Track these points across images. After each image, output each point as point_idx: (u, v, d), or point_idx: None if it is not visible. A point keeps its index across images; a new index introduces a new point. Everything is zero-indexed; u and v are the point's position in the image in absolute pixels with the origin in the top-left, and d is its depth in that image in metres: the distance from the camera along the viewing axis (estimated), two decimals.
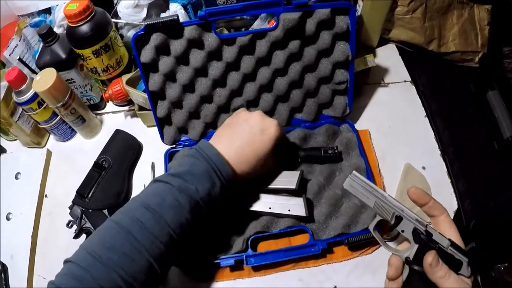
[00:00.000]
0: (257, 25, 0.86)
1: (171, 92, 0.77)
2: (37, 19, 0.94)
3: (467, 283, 0.53)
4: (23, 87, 0.80)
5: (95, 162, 0.82)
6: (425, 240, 0.54)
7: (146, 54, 0.72)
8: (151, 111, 0.79)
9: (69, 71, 0.85)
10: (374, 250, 0.72)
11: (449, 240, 0.54)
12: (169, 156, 0.82)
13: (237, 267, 0.71)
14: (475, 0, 0.94)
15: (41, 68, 0.83)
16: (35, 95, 0.81)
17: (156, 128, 0.82)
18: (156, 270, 0.54)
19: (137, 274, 0.52)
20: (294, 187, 0.71)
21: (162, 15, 0.87)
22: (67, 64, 0.84)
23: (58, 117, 0.87)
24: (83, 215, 0.77)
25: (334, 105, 0.82)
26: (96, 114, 0.96)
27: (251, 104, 0.81)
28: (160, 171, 0.85)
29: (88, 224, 0.77)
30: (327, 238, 0.70)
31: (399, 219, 0.57)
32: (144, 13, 0.88)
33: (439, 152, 0.82)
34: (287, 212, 0.70)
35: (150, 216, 0.55)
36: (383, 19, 0.89)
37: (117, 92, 0.85)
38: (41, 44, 0.87)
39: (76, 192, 0.79)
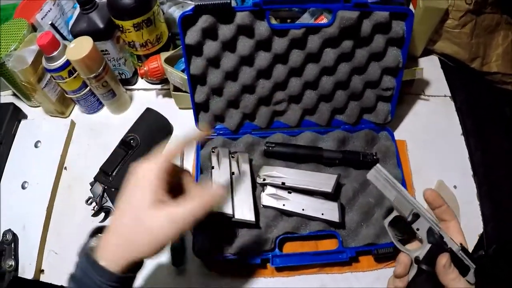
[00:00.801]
0: (305, 19, 0.83)
1: (212, 78, 0.74)
2: None
3: None
4: (55, 53, 0.77)
5: (122, 139, 0.80)
6: (438, 241, 0.54)
7: (192, 36, 0.69)
8: (187, 94, 0.76)
9: (105, 42, 0.82)
10: None
11: (460, 245, 0.54)
12: (202, 144, 0.79)
13: (261, 265, 0.70)
14: None
15: (75, 36, 0.80)
16: (67, 63, 0.78)
17: (187, 111, 0.80)
18: None
19: None
20: (330, 190, 0.69)
21: None
22: (104, 35, 0.81)
23: (88, 88, 0.84)
24: (105, 193, 0.75)
25: (376, 111, 0.80)
26: (127, 89, 0.93)
27: (293, 100, 0.79)
28: (190, 156, 0.82)
29: (109, 203, 0.75)
30: (356, 246, 0.69)
31: (416, 216, 0.57)
32: None
33: (471, 173, 0.81)
34: (320, 216, 0.69)
35: None
36: (432, 29, 0.88)
37: (154, 69, 0.82)
38: (76, 11, 0.84)
39: (100, 168, 0.77)
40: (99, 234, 0.50)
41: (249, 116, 0.80)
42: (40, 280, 0.72)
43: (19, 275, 0.72)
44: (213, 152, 0.73)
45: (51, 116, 0.91)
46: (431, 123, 0.87)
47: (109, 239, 0.47)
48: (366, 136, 0.79)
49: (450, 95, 0.91)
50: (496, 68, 0.93)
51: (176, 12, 0.88)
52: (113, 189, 0.75)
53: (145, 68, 0.83)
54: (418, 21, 0.85)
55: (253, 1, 0.68)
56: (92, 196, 0.76)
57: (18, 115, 0.90)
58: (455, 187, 0.79)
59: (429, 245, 0.54)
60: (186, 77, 0.74)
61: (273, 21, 0.85)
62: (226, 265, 0.70)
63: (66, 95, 0.86)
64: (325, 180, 0.70)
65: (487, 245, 0.74)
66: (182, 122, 0.87)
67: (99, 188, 0.76)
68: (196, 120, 0.79)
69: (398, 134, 0.84)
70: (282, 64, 0.74)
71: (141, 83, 0.95)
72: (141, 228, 0.46)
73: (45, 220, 0.76)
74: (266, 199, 0.71)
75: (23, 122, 0.89)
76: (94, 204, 0.76)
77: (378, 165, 0.60)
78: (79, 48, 0.75)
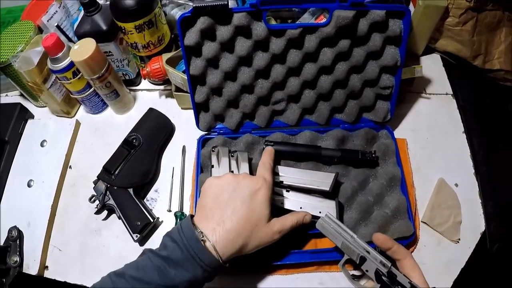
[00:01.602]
0: (305, 18, 0.84)
1: (212, 78, 0.75)
2: None
3: None
4: (60, 54, 0.78)
5: (125, 139, 0.81)
6: (386, 282, 0.59)
7: (191, 37, 0.70)
8: (188, 94, 0.77)
9: (108, 43, 0.83)
10: None
11: (409, 282, 0.57)
12: (203, 143, 0.80)
13: (260, 264, 0.70)
14: None
15: (79, 37, 0.82)
16: (71, 64, 0.80)
17: (189, 111, 0.81)
18: None
19: None
20: (327, 189, 0.70)
21: None
22: (107, 36, 0.82)
23: (92, 89, 0.86)
24: (108, 191, 0.76)
25: (376, 110, 0.80)
26: (130, 90, 0.95)
27: (292, 99, 0.79)
28: (190, 155, 0.84)
29: (111, 201, 0.76)
30: None
31: (363, 259, 0.62)
32: None
33: (473, 171, 0.80)
34: (317, 214, 0.69)
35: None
36: (432, 27, 0.87)
37: (155, 70, 0.83)
38: (81, 13, 0.85)
39: (103, 167, 0.78)
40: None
41: (248, 116, 0.81)
42: (44, 276, 0.74)
43: (23, 271, 0.73)
44: (213, 151, 0.74)
45: (57, 116, 0.93)
46: (433, 121, 0.86)
47: (227, 236, 0.58)
48: (365, 135, 0.79)
49: (452, 93, 0.90)
50: (499, 65, 0.92)
51: (178, 14, 0.90)
52: (115, 187, 0.76)
53: (147, 69, 0.84)
54: (418, 20, 0.85)
55: (250, 2, 0.68)
56: (95, 194, 0.78)
57: (25, 115, 0.92)
58: (456, 185, 0.78)
59: (379, 285, 0.60)
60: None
61: (273, 22, 0.85)
62: None
63: (71, 96, 0.88)
64: (323, 179, 0.71)
65: (490, 243, 0.73)
66: (184, 121, 0.88)
67: (102, 186, 0.77)
68: (197, 120, 0.80)
69: (399, 132, 0.84)
70: (280, 64, 0.75)
71: (144, 83, 0.97)
72: (257, 235, 0.60)
73: (50, 218, 0.78)
74: None
75: (29, 121, 0.91)
76: (97, 202, 0.77)
77: (327, 213, 0.66)
78: (83, 50, 0.77)
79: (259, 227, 0.60)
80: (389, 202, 0.73)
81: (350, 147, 0.79)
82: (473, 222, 0.75)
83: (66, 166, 0.85)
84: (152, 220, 0.74)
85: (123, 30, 0.81)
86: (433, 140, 0.84)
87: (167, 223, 0.77)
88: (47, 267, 0.75)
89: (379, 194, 0.74)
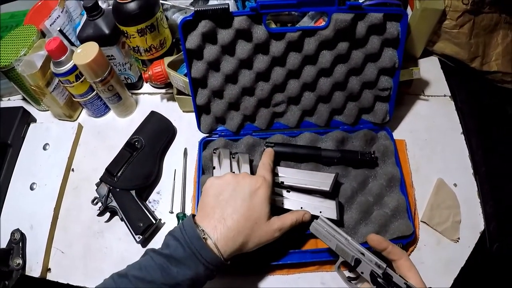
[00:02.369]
0: (304, 22, 0.85)
1: (213, 81, 0.76)
2: None
3: None
4: (63, 58, 0.79)
5: (127, 141, 0.82)
6: (381, 283, 0.59)
7: (192, 40, 0.71)
8: (190, 97, 0.78)
9: (111, 47, 0.84)
10: None
11: (405, 283, 0.58)
12: (204, 145, 0.81)
13: (261, 263, 0.71)
14: None
15: (82, 41, 0.83)
16: (74, 68, 0.81)
17: (191, 114, 0.82)
18: None
19: None
20: (328, 189, 0.70)
21: (211, 1, 0.86)
22: (110, 40, 0.84)
23: (94, 92, 0.87)
24: (110, 193, 0.77)
25: (375, 111, 0.81)
26: (132, 93, 0.95)
27: (292, 101, 0.80)
28: (192, 157, 0.84)
29: (114, 203, 0.76)
30: None
31: (357, 261, 0.62)
32: None
33: (472, 171, 0.81)
34: (318, 214, 0.69)
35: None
36: (430, 30, 0.88)
37: (157, 73, 0.84)
38: (83, 18, 0.86)
39: (106, 169, 0.79)
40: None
41: (249, 118, 0.82)
42: (47, 278, 0.75)
43: (26, 273, 0.74)
44: (214, 153, 0.75)
45: (60, 119, 0.94)
46: (431, 122, 0.87)
47: (228, 234, 0.59)
48: (365, 136, 0.80)
49: (450, 95, 0.91)
50: (496, 67, 0.93)
51: (179, 18, 0.91)
52: (117, 189, 0.77)
53: (149, 73, 0.85)
54: (416, 23, 0.86)
55: (250, 6, 0.70)
56: (98, 196, 0.78)
57: (27, 119, 0.93)
58: (455, 185, 0.79)
59: (374, 287, 0.60)
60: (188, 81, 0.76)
61: (273, 25, 0.87)
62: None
63: (74, 99, 0.88)
64: (323, 179, 0.71)
65: (489, 243, 0.74)
66: (186, 124, 0.89)
67: (104, 188, 0.78)
68: (198, 122, 0.81)
69: (398, 133, 0.85)
70: (280, 66, 0.76)
71: (146, 87, 0.98)
72: (257, 233, 0.61)
73: (52, 220, 0.79)
74: None
75: (32, 125, 0.92)
76: (99, 204, 0.77)
77: (321, 216, 0.67)
78: (86, 53, 0.78)
79: (259, 225, 0.62)
80: (389, 202, 0.74)
81: (349, 148, 0.80)
82: (473, 221, 0.75)
83: (68, 169, 0.86)
84: (154, 222, 0.74)
85: (126, 34, 0.82)
86: (432, 141, 0.85)
87: (169, 225, 0.78)
88: (49, 269, 0.75)
89: (379, 194, 0.75)
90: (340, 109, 0.81)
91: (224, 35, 0.72)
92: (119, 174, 0.78)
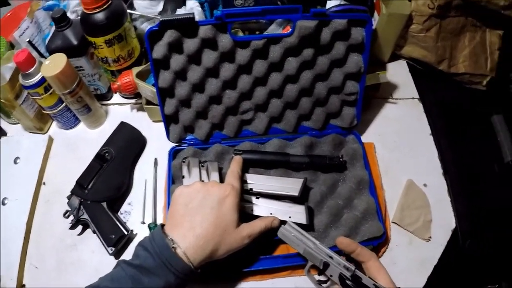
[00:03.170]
0: (272, 29, 0.86)
1: (180, 90, 0.77)
2: (50, 2, 0.92)
3: None
4: (31, 70, 0.79)
5: (97, 153, 0.81)
6: (350, 285, 0.60)
7: (159, 50, 0.72)
8: (159, 107, 0.78)
9: (79, 58, 0.84)
10: None
11: (374, 284, 0.59)
12: (173, 154, 0.81)
13: (234, 270, 0.71)
14: (488, 25, 0.94)
15: (51, 53, 0.82)
16: (43, 80, 0.80)
17: (161, 124, 0.82)
18: None
19: None
20: (296, 194, 0.71)
21: (179, 10, 0.87)
22: (78, 51, 0.83)
23: (64, 104, 0.86)
24: (81, 206, 0.77)
25: (342, 116, 0.82)
26: (102, 104, 0.95)
27: (260, 108, 0.81)
28: (162, 167, 0.84)
29: (85, 216, 0.76)
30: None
31: (326, 265, 0.63)
32: (160, 7, 0.88)
33: (442, 171, 0.82)
34: (287, 219, 0.70)
35: None
36: (397, 35, 0.90)
37: (126, 83, 0.84)
38: (53, 28, 0.86)
39: (76, 182, 0.78)
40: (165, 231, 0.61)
41: (217, 126, 0.82)
42: None
43: None
44: (183, 162, 0.75)
45: (30, 132, 0.93)
46: (400, 125, 0.89)
47: (197, 242, 0.59)
48: (333, 141, 0.81)
49: (418, 97, 0.93)
50: (464, 68, 0.95)
51: (148, 28, 0.90)
52: (89, 202, 0.76)
53: (118, 83, 0.85)
54: (382, 27, 0.88)
55: (215, 15, 0.70)
56: (70, 209, 0.78)
57: None
58: (425, 185, 0.81)
59: None
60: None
61: (241, 33, 0.87)
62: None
63: (44, 111, 0.88)
64: (292, 185, 0.72)
65: (462, 240, 0.76)
66: (155, 134, 0.89)
67: (75, 201, 0.77)
68: (167, 132, 0.81)
69: (367, 137, 0.86)
70: (246, 74, 0.76)
71: (116, 97, 0.97)
72: (226, 240, 0.62)
73: (25, 235, 0.78)
74: None
75: (2, 139, 0.91)
76: (71, 217, 0.77)
77: (289, 221, 0.68)
78: (54, 65, 0.77)
79: (229, 233, 0.62)
80: (359, 205, 0.75)
81: (318, 153, 0.81)
82: (444, 220, 0.77)
83: (40, 182, 0.85)
84: (126, 233, 0.74)
85: (94, 45, 0.82)
86: (401, 143, 0.86)
87: (141, 235, 0.77)
88: (24, 285, 0.74)
89: (348, 197, 0.76)
90: (308, 114, 0.81)
91: (190, 45, 0.72)
92: (89, 186, 0.77)
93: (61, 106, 0.86)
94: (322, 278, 0.68)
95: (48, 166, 0.88)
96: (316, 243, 0.64)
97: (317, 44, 0.73)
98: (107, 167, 0.80)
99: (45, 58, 0.90)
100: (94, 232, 0.75)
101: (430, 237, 0.75)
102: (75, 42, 0.82)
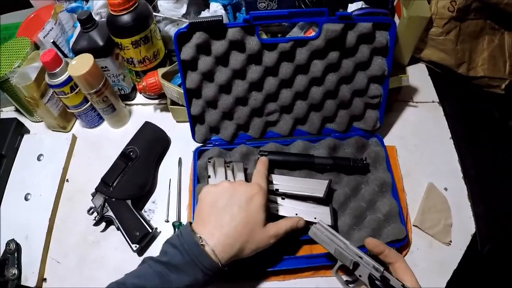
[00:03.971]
0: (294, 32, 0.87)
1: (207, 92, 0.77)
2: (74, 4, 0.94)
3: None
4: (58, 70, 0.80)
5: (122, 151, 0.82)
6: (379, 286, 0.60)
7: (187, 52, 0.73)
8: (184, 107, 0.79)
9: (105, 59, 0.85)
10: None
11: (402, 285, 0.59)
12: (199, 154, 0.82)
13: (257, 270, 0.72)
14: (506, 27, 0.95)
15: (76, 53, 0.83)
16: (69, 79, 0.81)
17: (184, 124, 0.83)
18: None
19: None
20: (321, 195, 0.72)
21: (203, 13, 0.88)
22: (103, 52, 0.84)
23: (89, 103, 0.87)
24: (106, 203, 0.78)
25: (365, 118, 0.83)
26: (126, 104, 0.96)
27: (285, 110, 0.82)
28: (187, 167, 0.85)
29: (110, 213, 0.77)
30: None
31: (356, 265, 0.63)
32: (183, 10, 0.88)
33: (461, 175, 0.83)
34: (312, 220, 0.71)
35: None
36: (417, 38, 0.90)
37: (151, 84, 0.85)
38: (76, 30, 0.87)
39: (101, 179, 0.79)
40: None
41: (243, 127, 0.83)
42: None
43: (22, 284, 0.74)
44: (209, 162, 0.76)
45: (53, 130, 0.95)
46: (420, 128, 0.89)
47: (225, 240, 0.60)
48: (356, 143, 0.82)
49: (438, 100, 0.93)
50: (483, 72, 0.95)
51: (172, 30, 0.92)
52: (113, 199, 0.77)
53: (143, 84, 0.86)
54: (403, 31, 0.88)
55: (243, 18, 0.71)
56: (94, 206, 0.79)
57: (21, 130, 0.93)
58: (445, 189, 0.81)
59: None
60: (182, 91, 0.77)
61: (264, 36, 0.88)
62: None
63: (68, 110, 0.89)
64: (317, 186, 0.73)
65: (480, 245, 0.76)
66: (179, 134, 0.90)
67: (100, 198, 0.78)
68: (193, 132, 0.82)
69: (388, 140, 0.87)
70: (272, 76, 0.77)
71: (139, 98, 0.98)
72: (254, 239, 0.62)
73: (48, 230, 0.79)
74: None
75: (26, 136, 0.92)
76: (95, 214, 0.78)
77: (320, 221, 0.68)
78: (81, 65, 0.79)
79: (256, 232, 0.63)
80: (381, 207, 0.75)
81: (341, 155, 0.82)
82: (464, 224, 0.77)
83: (63, 179, 0.86)
84: (150, 231, 0.75)
85: (120, 46, 0.83)
86: (421, 146, 0.87)
87: (165, 234, 0.78)
88: (45, 279, 0.75)
89: (371, 200, 0.76)
90: (332, 117, 0.82)
91: (218, 46, 0.73)
92: (114, 184, 0.78)
93: (86, 105, 0.88)
94: (349, 278, 0.69)
95: (72, 164, 0.89)
96: (346, 243, 0.65)
97: (343, 47, 0.74)
98: (132, 166, 0.81)
99: (70, 58, 0.91)
100: (118, 229, 0.76)
101: (451, 241, 0.75)
102: (100, 43, 0.83)
